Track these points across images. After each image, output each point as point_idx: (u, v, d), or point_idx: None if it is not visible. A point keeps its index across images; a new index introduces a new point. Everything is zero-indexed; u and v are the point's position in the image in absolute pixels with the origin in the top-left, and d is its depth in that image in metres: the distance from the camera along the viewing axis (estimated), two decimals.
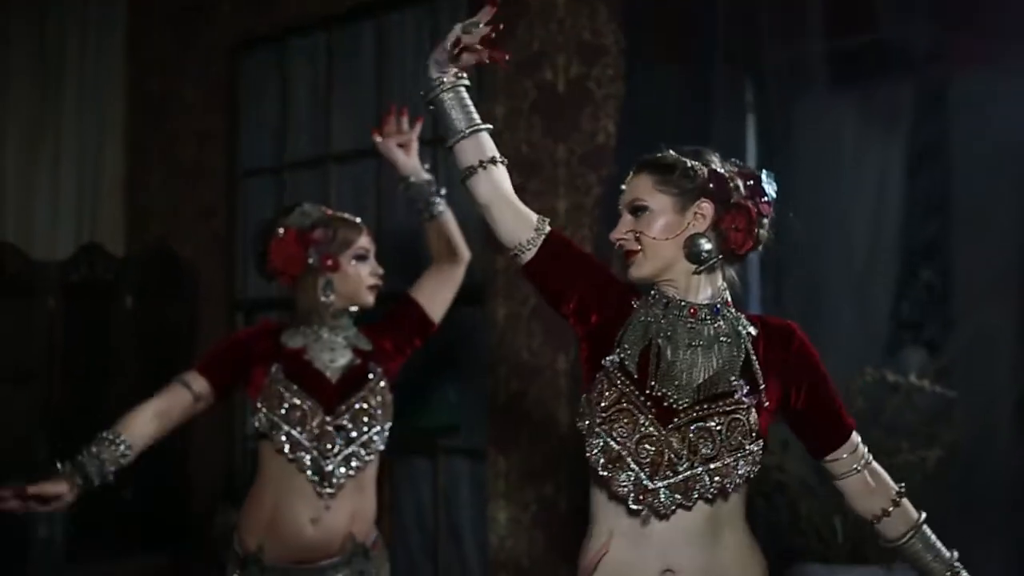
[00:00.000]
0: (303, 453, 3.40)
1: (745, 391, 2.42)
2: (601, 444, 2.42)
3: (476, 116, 2.55)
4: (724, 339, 2.47)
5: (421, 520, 5.79)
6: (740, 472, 2.39)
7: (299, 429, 3.41)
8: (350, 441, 3.44)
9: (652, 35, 4.90)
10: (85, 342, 5.94)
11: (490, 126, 2.57)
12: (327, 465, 3.41)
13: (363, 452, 3.46)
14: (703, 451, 2.37)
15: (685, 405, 2.41)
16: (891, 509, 2.53)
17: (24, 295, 5.86)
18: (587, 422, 2.46)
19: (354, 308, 3.55)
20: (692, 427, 2.39)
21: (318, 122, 6.37)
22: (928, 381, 4.16)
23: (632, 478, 2.40)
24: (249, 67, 6.71)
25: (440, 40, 2.53)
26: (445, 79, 2.53)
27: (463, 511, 5.62)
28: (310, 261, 3.49)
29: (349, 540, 3.48)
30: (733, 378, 2.43)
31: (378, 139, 3.65)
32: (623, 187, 2.54)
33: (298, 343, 3.51)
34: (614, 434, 2.41)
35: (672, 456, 2.38)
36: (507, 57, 2.53)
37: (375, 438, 3.48)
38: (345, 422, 3.45)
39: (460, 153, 2.54)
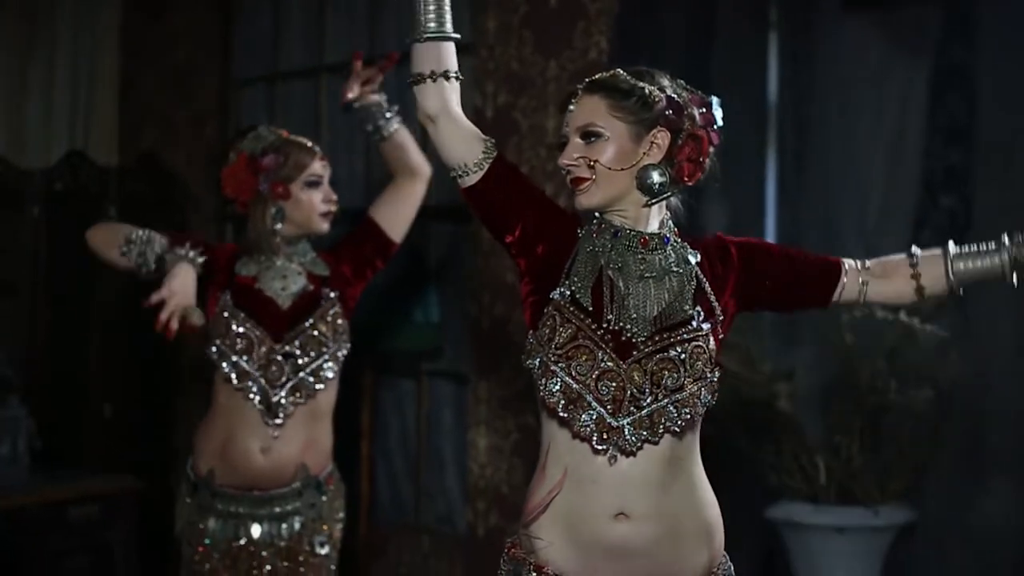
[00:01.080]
0: (250, 382, 3.34)
1: (701, 318, 2.34)
2: (559, 384, 2.32)
3: (449, 22, 2.41)
4: (675, 269, 2.37)
5: (405, 442, 5.72)
6: (702, 400, 2.31)
7: (246, 358, 3.34)
8: (298, 369, 3.36)
9: None
10: (69, 253, 5.81)
11: (458, 36, 2.42)
12: (274, 395, 3.34)
13: (311, 380, 3.37)
14: (667, 382, 2.30)
15: (643, 337, 2.31)
16: (917, 274, 2.48)
17: (7, 204, 5.75)
18: (538, 360, 2.34)
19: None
20: (654, 358, 2.30)
21: (312, 31, 6.20)
22: (919, 319, 4.02)
23: (594, 417, 2.30)
24: None
25: None
26: None
27: (445, 436, 5.56)
28: (261, 188, 3.37)
29: (301, 471, 3.42)
30: (687, 307, 2.34)
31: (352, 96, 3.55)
32: (571, 107, 2.38)
33: (251, 271, 3.42)
34: (572, 372, 2.32)
35: (634, 391, 2.30)
36: None
37: (325, 366, 3.39)
38: (294, 349, 3.36)
39: (418, 54, 2.39)
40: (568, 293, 2.37)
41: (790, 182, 4.72)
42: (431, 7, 2.40)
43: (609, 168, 2.34)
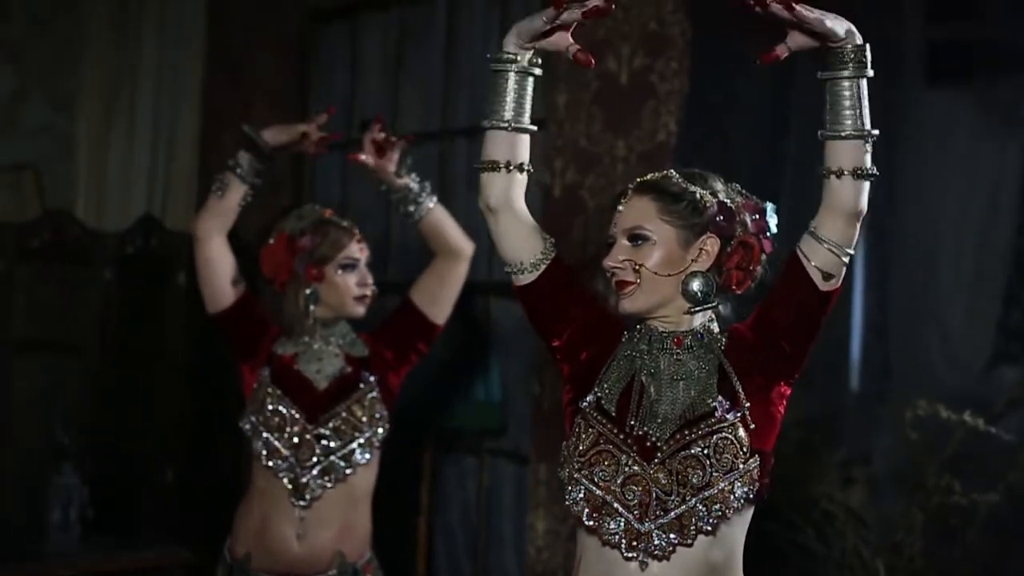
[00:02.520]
0: (279, 461, 3.31)
1: (726, 407, 2.24)
2: (583, 491, 2.26)
3: (528, 112, 2.34)
4: (704, 365, 2.29)
5: (466, 520, 5.65)
6: (738, 494, 2.21)
7: (277, 435, 3.31)
8: (329, 452, 3.32)
9: (722, 27, 4.66)
10: (137, 317, 5.84)
11: (535, 128, 2.36)
12: (303, 476, 3.29)
13: (342, 464, 3.32)
14: (693, 480, 2.20)
15: (665, 437, 2.24)
16: (827, 172, 2.18)
17: (80, 265, 5.78)
18: (567, 471, 2.30)
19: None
20: (677, 457, 2.22)
21: (386, 100, 6.21)
22: (983, 421, 3.89)
23: (622, 524, 2.23)
24: (323, 38, 6.58)
25: (535, 13, 2.31)
26: (520, 58, 2.30)
27: (505, 515, 5.49)
28: (296, 269, 3.34)
29: (337, 557, 3.37)
30: (710, 399, 2.25)
31: (364, 158, 3.50)
32: (619, 208, 2.35)
33: (288, 350, 3.40)
34: (595, 478, 2.25)
35: (660, 493, 2.22)
36: (593, 62, 2.31)
37: (357, 451, 3.34)
38: (326, 431, 3.32)
39: (491, 140, 2.33)
40: (594, 399, 2.32)
41: (877, 261, 4.63)
42: (511, 95, 2.32)
43: (655, 273, 2.29)
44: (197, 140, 6.97)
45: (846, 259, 2.21)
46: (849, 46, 2.14)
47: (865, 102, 2.16)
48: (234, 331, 3.44)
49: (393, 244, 6.06)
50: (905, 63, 4.54)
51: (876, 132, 2.15)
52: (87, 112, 6.78)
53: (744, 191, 2.40)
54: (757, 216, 2.35)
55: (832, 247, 2.18)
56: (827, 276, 2.21)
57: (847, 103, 2.14)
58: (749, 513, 2.29)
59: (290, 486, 3.29)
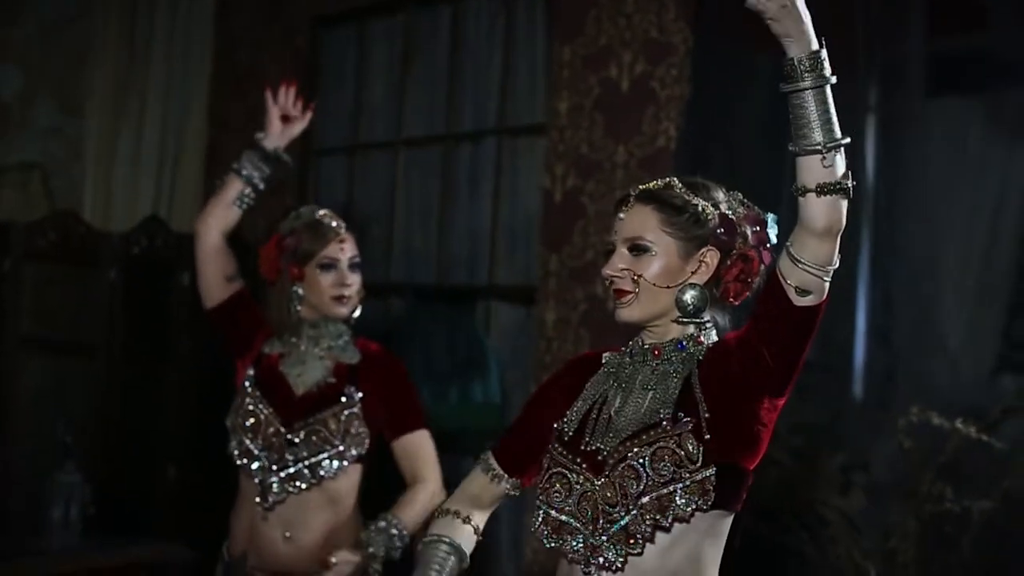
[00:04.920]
0: (250, 461, 3.29)
1: (676, 418, 2.21)
2: (542, 516, 2.27)
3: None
4: (675, 375, 2.28)
5: None
6: (680, 503, 2.15)
7: (251, 436, 3.29)
8: (298, 460, 3.27)
9: (722, 35, 4.69)
10: (142, 317, 5.89)
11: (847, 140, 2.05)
12: (269, 478, 3.27)
13: (308, 474, 3.27)
14: (631, 490, 2.18)
15: (611, 448, 2.24)
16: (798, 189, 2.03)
17: (86, 265, 5.82)
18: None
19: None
20: (618, 468, 2.20)
21: (392, 105, 6.27)
22: (976, 429, 3.91)
23: (582, 540, 2.22)
24: (329, 45, 6.64)
25: None
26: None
27: (502, 518, 5.48)
28: (282, 268, 3.36)
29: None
30: (663, 410, 2.23)
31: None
32: (620, 215, 2.33)
33: (275, 350, 3.39)
34: (552, 502, 2.26)
35: (607, 506, 2.20)
36: None
37: (324, 463, 3.28)
38: (297, 439, 3.28)
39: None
40: (558, 427, 2.36)
41: (884, 266, 4.64)
42: (815, 114, 2.03)
43: (653, 284, 2.28)
44: (203, 143, 7.03)
45: (826, 276, 2.10)
46: (804, 55, 1.99)
47: (831, 112, 2.01)
48: (228, 327, 3.44)
49: (396, 247, 6.10)
50: (909, 74, 4.55)
51: (846, 140, 2.01)
52: (95, 115, 6.85)
53: (746, 201, 2.38)
54: (758, 228, 2.33)
55: (806, 266, 2.07)
56: (802, 292, 2.10)
57: (810, 116, 2.00)
58: (716, 522, 2.24)
59: (258, 486, 3.28)
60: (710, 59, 4.71)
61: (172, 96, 7.01)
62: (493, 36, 5.74)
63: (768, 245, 2.33)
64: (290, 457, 3.27)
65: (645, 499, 2.17)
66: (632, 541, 2.18)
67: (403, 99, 6.20)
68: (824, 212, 2.04)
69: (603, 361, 2.42)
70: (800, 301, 2.12)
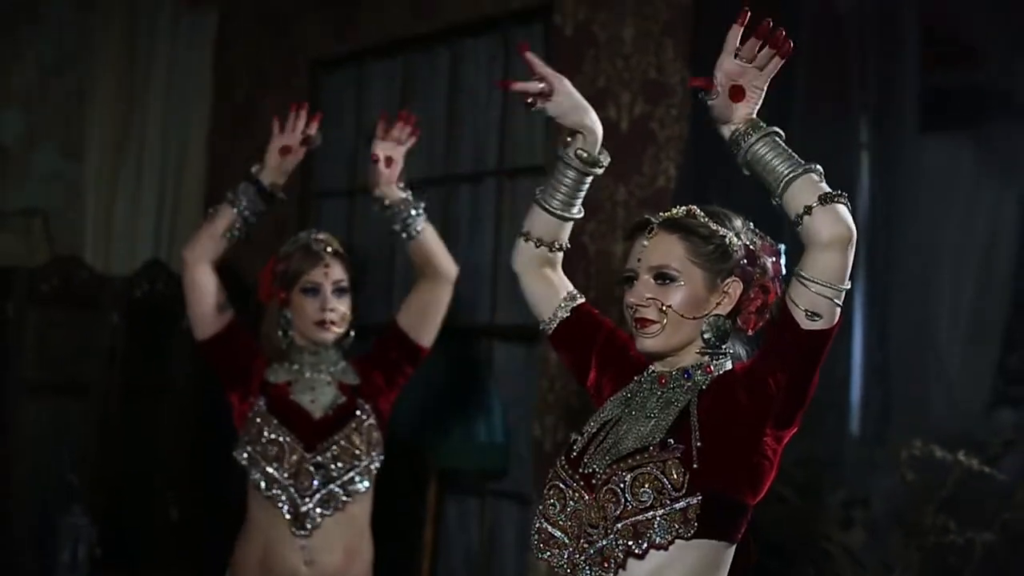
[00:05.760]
0: (279, 491, 3.28)
1: (668, 444, 2.19)
2: (537, 525, 2.28)
3: (578, 206, 2.52)
4: (676, 402, 2.28)
5: (469, 561, 5.68)
6: (658, 530, 2.13)
7: (276, 465, 3.29)
8: (329, 480, 3.30)
9: None
10: (144, 359, 5.91)
11: (580, 215, 2.52)
12: (303, 505, 3.28)
13: (342, 493, 3.31)
14: (609, 512, 2.17)
15: (602, 469, 2.23)
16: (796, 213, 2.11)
17: (88, 308, 5.86)
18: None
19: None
20: (602, 490, 2.20)
21: None
22: (978, 461, 3.93)
23: (566, 556, 2.23)
24: (328, 86, 6.68)
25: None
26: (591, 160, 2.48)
27: (507, 557, 5.50)
28: (273, 293, 3.39)
29: None
30: (656, 435, 2.22)
31: (378, 144, 3.55)
32: (644, 243, 2.32)
33: (281, 378, 3.40)
34: (547, 513, 2.27)
35: (588, 527, 2.21)
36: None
37: (356, 479, 3.33)
38: (326, 460, 3.30)
39: (537, 215, 2.50)
40: (571, 439, 2.38)
41: (878, 301, 4.66)
42: (563, 189, 2.46)
43: (681, 315, 2.28)
44: (203, 187, 7.06)
45: (837, 297, 2.13)
46: (740, 126, 2.20)
47: (787, 149, 2.16)
48: (220, 358, 3.45)
49: (397, 286, 6.12)
50: (902, 110, 4.57)
51: (819, 167, 2.13)
52: (95, 159, 6.88)
53: (759, 231, 2.39)
54: (774, 259, 2.35)
55: (816, 285, 2.10)
56: (812, 316, 2.11)
57: (774, 158, 2.15)
58: (711, 553, 2.20)
59: (289, 516, 3.28)
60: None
61: (171, 138, 7.04)
62: (492, 77, 5.77)
63: (782, 277, 2.34)
64: (319, 480, 3.29)
65: (620, 524, 2.16)
66: (606, 564, 2.18)
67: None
68: (832, 221, 2.09)
69: (635, 378, 2.43)
70: (809, 325, 2.13)
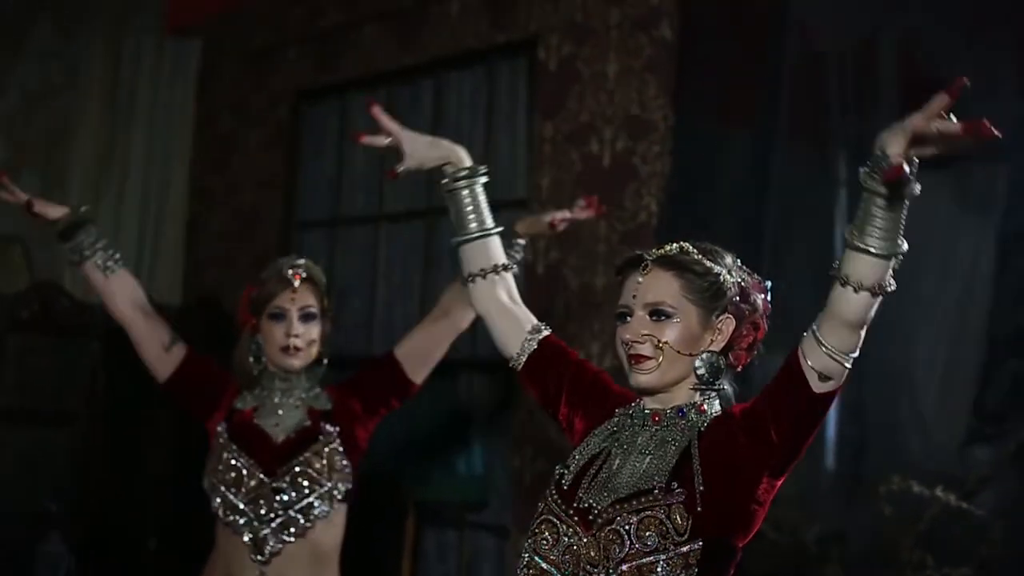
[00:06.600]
0: (237, 516, 3.23)
1: (673, 488, 2.18)
2: (527, 559, 2.27)
3: (489, 218, 2.50)
4: (673, 443, 2.27)
5: None
6: (660, 573, 2.14)
7: (233, 491, 3.23)
8: (287, 506, 3.23)
9: (704, 111, 4.77)
10: (124, 387, 5.90)
11: (501, 228, 2.52)
12: (261, 530, 3.21)
13: (301, 519, 3.23)
14: (613, 554, 2.16)
15: (602, 508, 2.21)
16: (837, 280, 2.09)
17: (68, 335, 5.85)
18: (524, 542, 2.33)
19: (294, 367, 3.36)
20: (604, 530, 2.19)
21: (373, 178, 6.31)
22: (955, 496, 3.95)
23: None
24: (311, 118, 6.70)
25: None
26: (467, 173, 2.50)
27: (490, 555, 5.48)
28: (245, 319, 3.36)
29: None
30: (658, 477, 2.21)
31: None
32: (639, 280, 2.31)
33: (248, 404, 3.35)
34: (539, 548, 2.25)
35: (588, 565, 2.19)
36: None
37: (315, 502, 3.25)
38: (284, 484, 3.23)
39: (466, 255, 2.50)
40: (558, 473, 2.34)
41: None
42: (469, 208, 2.49)
43: (677, 351, 2.27)
44: (184, 216, 7.07)
45: (848, 363, 2.13)
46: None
47: (903, 221, 2.09)
48: (188, 394, 3.42)
49: (377, 320, 6.14)
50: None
51: (906, 247, 2.09)
52: (77, 187, 6.88)
53: (746, 268, 2.39)
54: (764, 296, 2.37)
55: (833, 353, 2.10)
56: (824, 378, 2.12)
57: (884, 223, 2.08)
58: None
59: (249, 542, 3.21)
60: (691, 136, 4.77)
61: (153, 167, 7.06)
62: (475, 110, 5.81)
63: (769, 314, 2.36)
64: (278, 505, 3.22)
65: (625, 567, 2.16)
66: None
67: (384, 173, 6.22)
68: (862, 308, 2.09)
69: (615, 412, 2.41)
70: (819, 387, 2.14)
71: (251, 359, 3.33)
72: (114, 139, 7.02)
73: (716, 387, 2.32)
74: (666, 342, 2.27)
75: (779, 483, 2.26)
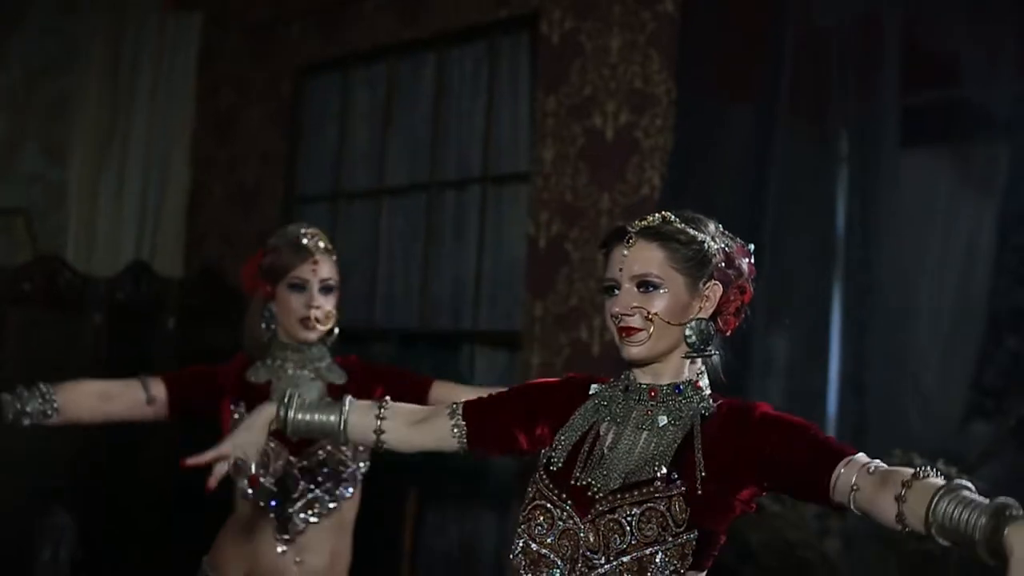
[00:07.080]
0: (264, 495, 3.19)
1: (673, 478, 2.18)
2: (521, 545, 2.25)
3: (330, 408, 2.55)
4: (673, 423, 2.26)
5: (448, 567, 5.68)
6: (659, 564, 2.14)
7: (262, 471, 3.14)
8: (315, 485, 3.22)
9: (706, 86, 4.77)
10: (127, 361, 5.89)
11: (346, 408, 2.53)
12: (287, 510, 3.20)
13: (327, 498, 3.23)
14: (613, 544, 2.17)
15: (603, 494, 2.21)
16: (903, 498, 1.98)
17: (71, 310, 5.85)
18: (515, 527, 2.31)
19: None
20: (605, 518, 2.19)
21: (374, 153, 6.32)
22: (956, 471, 3.95)
23: (557, 574, 2.21)
24: (313, 92, 6.70)
25: None
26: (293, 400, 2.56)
27: (486, 563, 5.51)
28: (258, 286, 3.27)
29: None
30: (658, 465, 2.20)
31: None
32: (624, 253, 2.27)
33: (262, 378, 3.29)
34: (533, 533, 2.24)
35: (587, 551, 2.19)
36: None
37: (343, 484, 3.25)
38: (312, 465, 3.22)
39: (353, 438, 2.55)
40: (545, 458, 2.33)
41: (855, 316, 4.67)
42: (312, 420, 2.55)
43: (666, 322, 2.26)
44: (186, 188, 7.06)
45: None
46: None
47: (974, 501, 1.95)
48: (194, 411, 3.32)
49: (379, 293, 6.15)
50: (882, 125, 4.59)
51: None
52: (79, 160, 6.89)
53: (729, 233, 2.38)
54: (748, 259, 2.36)
55: (855, 507, 2.06)
56: (840, 505, 2.10)
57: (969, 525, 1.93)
58: None
59: (275, 519, 3.19)
60: (693, 110, 4.77)
61: (155, 141, 7.06)
62: (477, 84, 5.81)
63: (754, 277, 2.36)
64: (304, 485, 3.22)
65: (626, 557, 2.16)
66: None
67: (386, 148, 6.25)
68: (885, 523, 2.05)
69: (591, 392, 2.40)
70: (836, 501, 2.10)
71: (263, 326, 3.27)
72: (116, 114, 7.01)
73: (707, 353, 2.31)
74: (655, 313, 2.26)
75: (761, 495, 2.26)
